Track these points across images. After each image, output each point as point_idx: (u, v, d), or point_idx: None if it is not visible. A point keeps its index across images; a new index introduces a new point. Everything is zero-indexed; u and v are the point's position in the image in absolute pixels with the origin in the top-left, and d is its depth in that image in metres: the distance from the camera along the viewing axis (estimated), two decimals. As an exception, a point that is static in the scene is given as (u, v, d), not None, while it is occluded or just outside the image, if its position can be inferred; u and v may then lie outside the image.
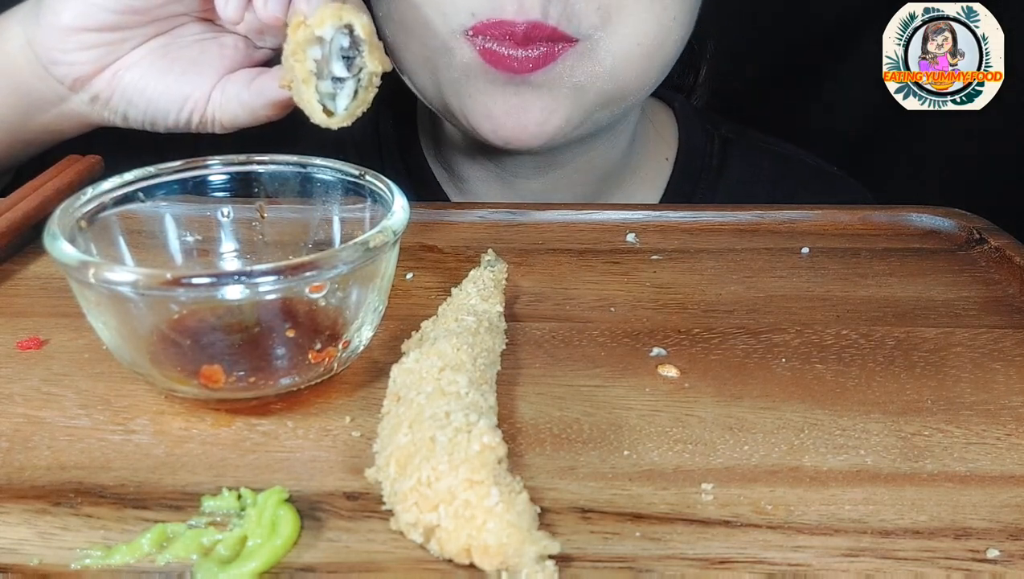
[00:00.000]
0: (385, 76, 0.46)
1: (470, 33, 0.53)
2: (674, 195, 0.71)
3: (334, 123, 0.45)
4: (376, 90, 0.46)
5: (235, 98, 0.51)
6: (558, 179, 0.67)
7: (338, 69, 0.44)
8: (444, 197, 0.70)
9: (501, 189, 0.68)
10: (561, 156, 0.64)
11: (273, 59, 0.53)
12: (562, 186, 0.67)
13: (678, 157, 0.72)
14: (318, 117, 0.45)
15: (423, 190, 0.70)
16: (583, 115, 0.57)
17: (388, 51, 0.59)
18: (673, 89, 0.76)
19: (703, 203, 0.70)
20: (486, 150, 0.64)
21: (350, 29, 0.44)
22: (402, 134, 0.72)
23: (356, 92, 0.45)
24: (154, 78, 0.51)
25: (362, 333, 0.38)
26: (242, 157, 0.44)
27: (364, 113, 0.46)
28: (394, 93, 0.63)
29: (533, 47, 0.52)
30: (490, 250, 0.47)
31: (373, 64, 0.44)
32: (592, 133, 0.61)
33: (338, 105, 0.45)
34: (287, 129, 0.52)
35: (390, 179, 0.41)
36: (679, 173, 0.71)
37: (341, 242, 0.43)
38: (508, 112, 0.55)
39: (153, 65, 0.51)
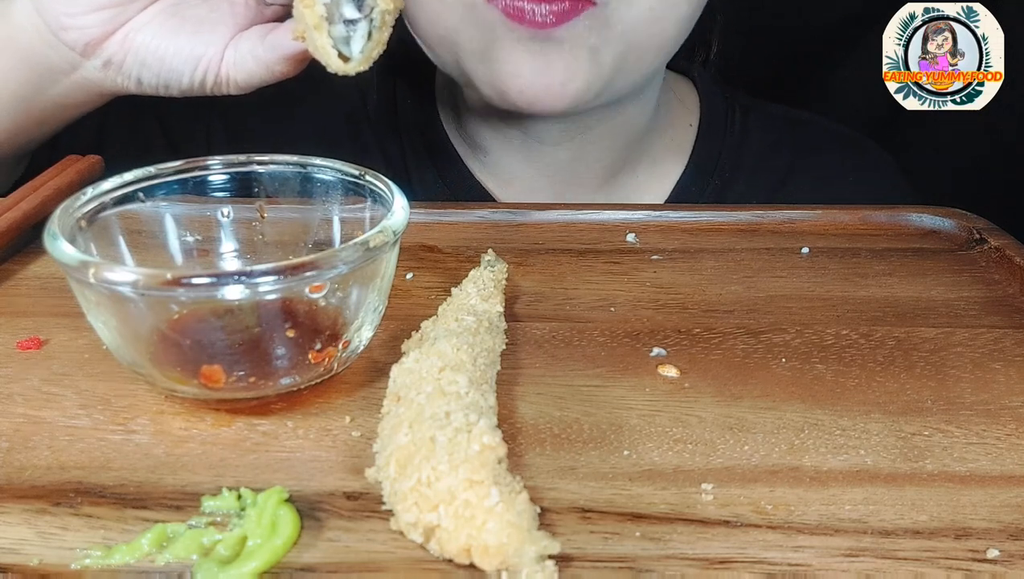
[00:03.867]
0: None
1: None
2: (700, 159, 0.71)
3: (351, 68, 0.44)
4: (391, 30, 0.44)
5: (249, 54, 0.50)
6: (584, 144, 0.66)
7: (349, 11, 0.43)
8: (467, 172, 0.69)
9: (526, 159, 0.67)
10: (588, 119, 0.63)
11: (283, 17, 0.51)
12: (589, 153, 0.66)
13: (701, 122, 0.72)
14: (334, 64, 0.43)
15: (445, 166, 0.69)
16: (602, 82, 0.56)
17: (405, 24, 0.58)
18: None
19: (729, 168, 0.70)
20: (510, 117, 0.64)
21: None
22: (421, 110, 0.71)
23: (370, 33, 0.44)
24: (166, 38, 0.50)
25: (362, 333, 0.38)
26: (242, 157, 0.44)
27: (377, 70, 0.43)
28: (412, 64, 0.61)
29: (557, 2, 0.52)
30: (490, 250, 0.47)
31: (384, 1, 0.43)
32: (615, 100, 0.60)
33: (353, 49, 0.44)
34: (289, 125, 0.51)
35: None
36: (704, 137, 0.71)
37: (341, 242, 0.43)
38: (535, 71, 0.54)
39: (164, 25, 0.50)
